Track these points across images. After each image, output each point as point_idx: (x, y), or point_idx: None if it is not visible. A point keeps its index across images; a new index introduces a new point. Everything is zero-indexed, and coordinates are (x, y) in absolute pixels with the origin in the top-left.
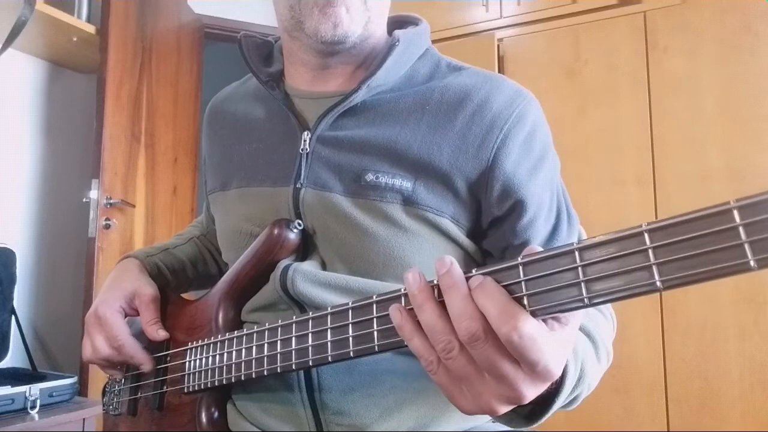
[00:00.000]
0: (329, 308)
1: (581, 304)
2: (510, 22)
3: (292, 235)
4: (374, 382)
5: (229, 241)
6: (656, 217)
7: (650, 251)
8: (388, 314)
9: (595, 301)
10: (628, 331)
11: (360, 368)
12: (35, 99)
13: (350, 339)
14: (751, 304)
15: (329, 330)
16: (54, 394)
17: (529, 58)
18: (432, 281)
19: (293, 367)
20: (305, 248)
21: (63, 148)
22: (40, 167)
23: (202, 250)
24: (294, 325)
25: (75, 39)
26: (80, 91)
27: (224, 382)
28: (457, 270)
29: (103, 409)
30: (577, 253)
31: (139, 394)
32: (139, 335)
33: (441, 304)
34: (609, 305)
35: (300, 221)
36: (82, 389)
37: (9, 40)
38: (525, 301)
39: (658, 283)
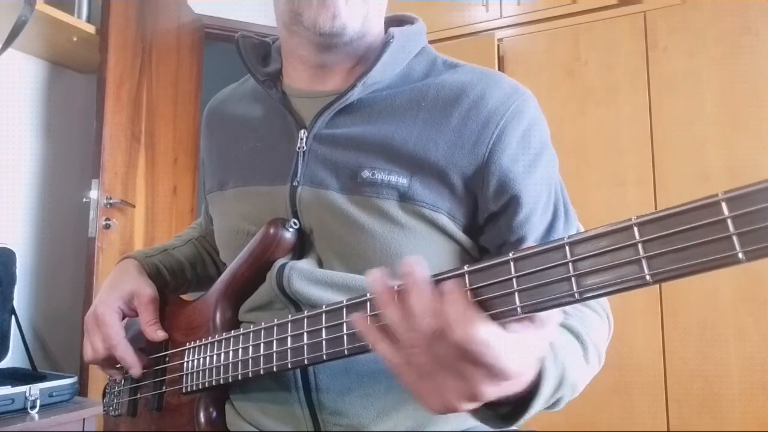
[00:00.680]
0: (324, 306)
1: (572, 299)
2: (510, 22)
3: (288, 234)
4: (372, 382)
5: (226, 241)
6: None
7: (640, 245)
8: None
9: (586, 295)
10: (628, 331)
11: (357, 368)
12: (35, 99)
13: (345, 337)
14: (751, 304)
15: (324, 328)
16: (54, 394)
17: (529, 58)
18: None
19: (289, 366)
20: (302, 247)
21: (63, 148)
22: (40, 167)
23: (201, 252)
24: (289, 323)
25: (75, 39)
26: (80, 91)
27: (221, 381)
28: (420, 270)
29: (104, 410)
30: (567, 248)
31: (138, 395)
32: (139, 336)
33: (403, 304)
34: (607, 305)
35: (296, 220)
36: (82, 389)
37: (9, 40)
38: (516, 297)
39: (648, 277)
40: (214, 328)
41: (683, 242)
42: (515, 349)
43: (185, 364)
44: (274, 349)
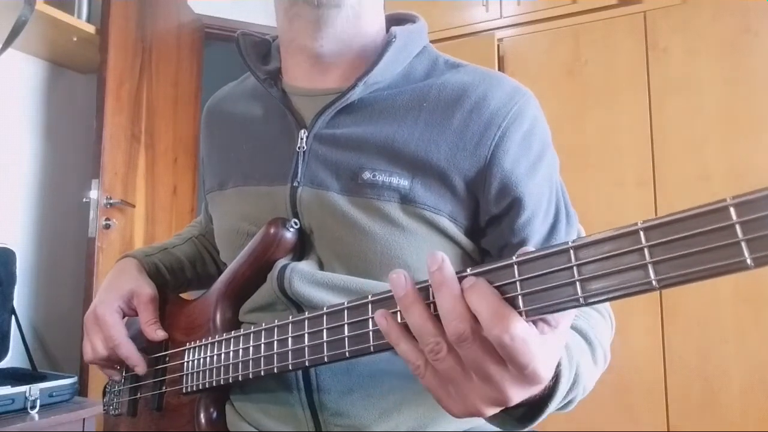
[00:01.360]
0: (325, 308)
1: (576, 304)
2: (510, 22)
3: (289, 234)
4: (373, 382)
5: (226, 241)
6: None
7: (646, 250)
8: None
9: (591, 300)
10: (628, 331)
11: (359, 369)
12: (35, 99)
13: (346, 339)
14: (751, 304)
15: (325, 330)
16: (54, 394)
17: (529, 58)
18: (420, 282)
19: (290, 368)
20: (302, 247)
21: (63, 148)
22: (40, 167)
23: (201, 250)
24: (290, 325)
25: (75, 39)
26: (80, 91)
27: (222, 382)
28: (449, 267)
29: (104, 410)
30: (572, 252)
31: (138, 395)
32: (138, 335)
33: (428, 305)
34: (608, 305)
35: (296, 220)
36: (82, 389)
37: (9, 40)
38: (519, 301)
39: (654, 282)
40: (214, 328)
41: (690, 248)
42: (544, 351)
43: (185, 364)
44: (275, 350)
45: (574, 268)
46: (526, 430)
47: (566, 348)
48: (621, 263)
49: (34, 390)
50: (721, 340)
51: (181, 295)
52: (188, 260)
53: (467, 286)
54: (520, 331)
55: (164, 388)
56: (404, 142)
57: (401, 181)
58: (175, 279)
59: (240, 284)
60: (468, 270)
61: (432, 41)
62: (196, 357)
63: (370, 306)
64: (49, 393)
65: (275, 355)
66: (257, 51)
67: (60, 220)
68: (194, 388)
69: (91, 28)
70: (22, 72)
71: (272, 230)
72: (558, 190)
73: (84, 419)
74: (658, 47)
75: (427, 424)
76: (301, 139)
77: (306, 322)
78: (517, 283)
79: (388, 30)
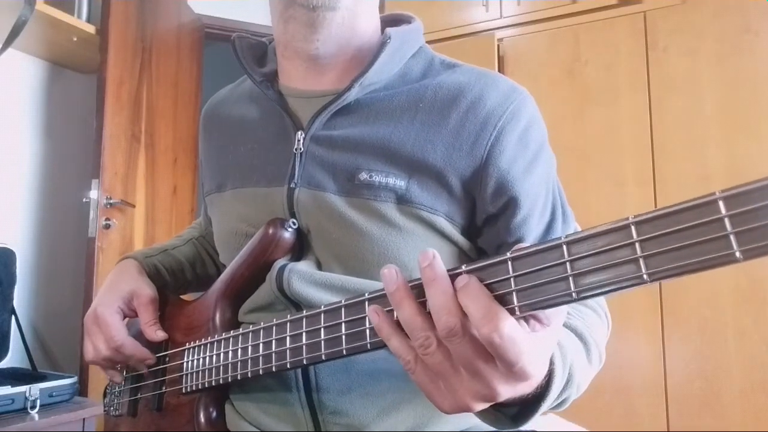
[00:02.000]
0: (322, 306)
1: (569, 299)
2: (510, 22)
3: (287, 234)
4: (372, 381)
5: (225, 242)
6: None
7: (637, 244)
8: None
9: (583, 295)
10: (628, 331)
11: (357, 368)
12: (35, 99)
13: (343, 337)
14: (751, 304)
15: (322, 328)
16: (54, 394)
17: (529, 58)
18: (413, 279)
19: (288, 366)
20: (300, 248)
21: (63, 148)
22: (40, 167)
23: (200, 252)
24: (288, 323)
25: (75, 39)
26: (80, 91)
27: (221, 381)
28: (439, 263)
29: (104, 410)
30: (565, 248)
31: (138, 395)
32: (138, 336)
33: (420, 302)
34: (605, 305)
35: (294, 220)
36: (82, 389)
37: (9, 40)
38: (513, 297)
39: (645, 276)
40: (213, 328)
41: (680, 241)
42: (534, 349)
43: (185, 364)
44: (273, 349)
45: (567, 263)
46: (520, 429)
47: (560, 347)
48: (613, 258)
49: (34, 390)
50: (721, 341)
51: (180, 296)
52: (188, 261)
53: (459, 286)
54: (510, 330)
55: (164, 388)
56: (400, 143)
57: (398, 182)
58: (175, 280)
59: (239, 285)
60: (462, 267)
61: (432, 41)
62: (195, 357)
63: (366, 304)
64: (49, 393)
65: (273, 354)
66: (253, 53)
67: (60, 220)
68: (194, 388)
69: (91, 28)
70: (21, 72)
71: (271, 231)
72: (554, 189)
73: (84, 419)
74: (658, 47)
75: (426, 423)
76: (298, 140)
77: (304, 320)
78: (511, 279)
79: (383, 31)
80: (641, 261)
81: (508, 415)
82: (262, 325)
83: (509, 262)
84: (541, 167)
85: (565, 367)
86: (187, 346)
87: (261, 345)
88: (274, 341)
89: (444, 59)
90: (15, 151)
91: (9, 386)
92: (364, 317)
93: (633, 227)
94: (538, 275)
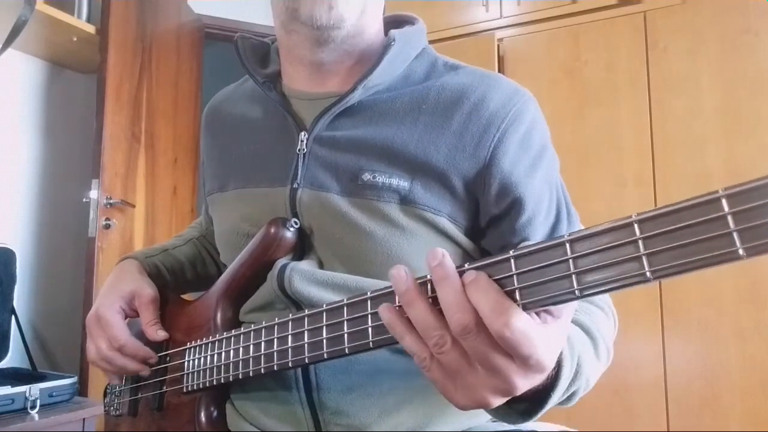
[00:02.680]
0: (324, 305)
1: (572, 296)
2: (510, 22)
3: (289, 234)
4: (373, 381)
5: (227, 242)
6: None
7: (640, 242)
8: None
9: (586, 292)
10: (628, 331)
11: (359, 368)
12: (35, 99)
13: (345, 336)
14: (751, 304)
15: (324, 327)
16: (54, 394)
17: (529, 58)
18: (420, 277)
19: (290, 365)
20: (302, 248)
21: (63, 148)
22: (40, 167)
23: (201, 251)
24: (290, 322)
25: (75, 39)
26: (80, 91)
27: (222, 381)
28: (449, 262)
29: (105, 410)
30: (568, 245)
31: (139, 395)
32: (139, 336)
33: (430, 299)
34: (610, 302)
35: (296, 219)
36: (82, 389)
37: (9, 40)
38: (517, 294)
39: (648, 274)
40: (214, 327)
41: (683, 239)
42: (548, 340)
43: (186, 363)
44: (275, 348)
45: (570, 261)
46: (520, 429)
47: (567, 340)
48: (616, 255)
49: (34, 390)
50: (722, 341)
51: (181, 296)
52: (189, 261)
53: (468, 281)
54: (521, 324)
55: (165, 387)
56: (404, 144)
57: (401, 183)
58: (175, 280)
59: (240, 284)
60: (466, 265)
61: (432, 41)
62: (196, 356)
63: (369, 302)
64: (49, 393)
65: (275, 353)
66: (256, 54)
67: (60, 220)
68: (195, 388)
69: (91, 28)
70: (21, 72)
71: (272, 230)
72: (558, 190)
73: (84, 419)
74: (658, 47)
75: (427, 423)
76: (301, 141)
77: (306, 319)
78: (514, 276)
79: (386, 32)
80: (644, 259)
81: (518, 410)
82: (264, 323)
83: (512, 260)
84: (545, 168)
85: (573, 358)
86: (188, 345)
87: (263, 344)
88: (275, 340)
89: (447, 61)
90: (15, 151)
91: (9, 386)
92: (367, 315)
93: (636, 225)
94: (541, 273)
